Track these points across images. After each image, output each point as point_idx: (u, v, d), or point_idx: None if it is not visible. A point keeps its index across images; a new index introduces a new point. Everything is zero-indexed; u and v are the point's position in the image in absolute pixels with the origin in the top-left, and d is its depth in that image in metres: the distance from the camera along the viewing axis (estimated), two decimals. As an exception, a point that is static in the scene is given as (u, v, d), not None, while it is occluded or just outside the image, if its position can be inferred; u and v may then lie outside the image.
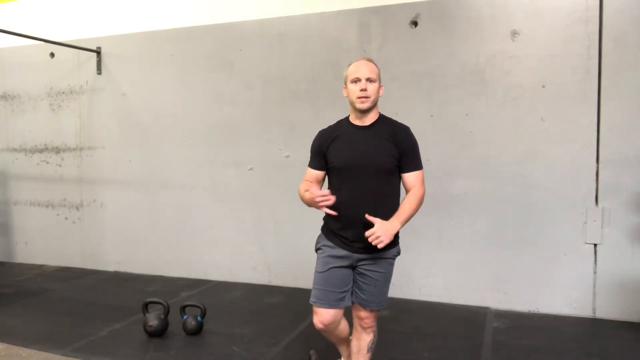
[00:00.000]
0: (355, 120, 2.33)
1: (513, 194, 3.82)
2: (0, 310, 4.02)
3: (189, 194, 4.84)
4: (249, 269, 4.66)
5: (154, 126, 4.94)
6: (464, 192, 3.95)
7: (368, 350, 2.45)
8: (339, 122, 2.41)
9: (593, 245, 3.66)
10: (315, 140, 2.41)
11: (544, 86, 3.73)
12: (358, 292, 2.35)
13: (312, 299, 2.35)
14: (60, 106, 5.33)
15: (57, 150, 5.37)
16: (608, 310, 3.65)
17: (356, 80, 2.25)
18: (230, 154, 4.66)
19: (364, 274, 2.32)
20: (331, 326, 2.38)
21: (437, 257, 4.05)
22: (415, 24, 4.03)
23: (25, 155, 5.53)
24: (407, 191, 2.33)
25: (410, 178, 2.31)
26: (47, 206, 5.46)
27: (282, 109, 4.45)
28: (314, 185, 2.37)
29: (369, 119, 2.31)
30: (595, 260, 3.66)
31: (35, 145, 5.47)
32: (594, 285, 3.67)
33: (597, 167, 3.63)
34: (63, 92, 5.31)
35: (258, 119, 4.54)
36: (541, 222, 3.76)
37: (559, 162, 3.71)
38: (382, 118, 2.36)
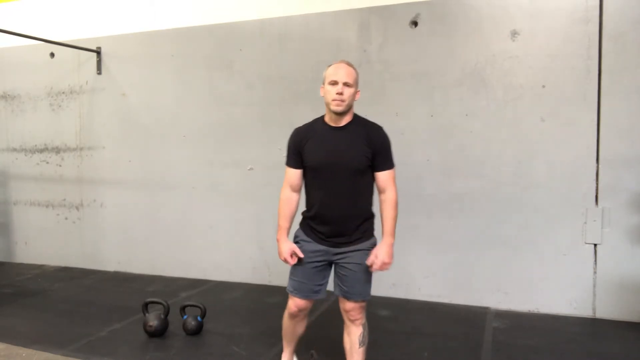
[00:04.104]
0: (330, 121, 2.40)
1: (513, 194, 3.82)
2: (0, 310, 4.03)
3: (189, 194, 4.84)
4: (248, 269, 4.66)
5: (154, 126, 4.94)
6: (464, 192, 3.95)
7: (360, 345, 2.47)
8: (315, 121, 2.48)
9: (593, 245, 3.66)
10: (292, 138, 2.49)
11: (544, 86, 3.73)
12: (340, 284, 2.45)
13: (288, 288, 2.51)
14: (60, 106, 5.32)
15: (57, 150, 5.37)
16: (608, 310, 3.65)
17: (333, 83, 2.31)
18: (230, 154, 4.66)
19: (343, 266, 2.42)
20: (304, 312, 2.55)
21: (437, 257, 4.05)
22: (415, 24, 4.03)
23: (25, 155, 5.53)
24: (379, 190, 2.43)
25: (383, 177, 2.40)
26: (47, 206, 5.46)
27: (282, 109, 4.45)
28: (295, 193, 2.49)
29: (344, 121, 2.38)
30: (595, 260, 3.66)
31: (35, 145, 5.47)
32: (594, 285, 3.67)
33: (597, 167, 3.63)
34: (63, 92, 5.31)
35: (258, 119, 4.54)
36: (541, 222, 3.76)
37: (559, 162, 3.71)
38: (356, 119, 2.43)
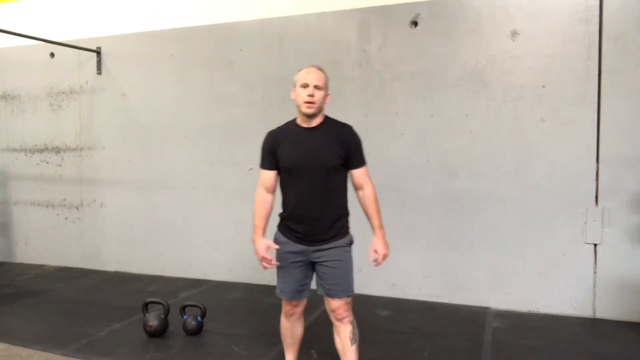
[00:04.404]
0: (302, 123, 2.47)
1: (513, 194, 3.82)
2: (0, 310, 4.03)
3: (189, 194, 4.84)
4: (249, 269, 4.65)
5: (154, 126, 4.94)
6: (464, 192, 3.95)
7: (352, 343, 2.50)
8: (287, 124, 2.54)
9: (593, 245, 3.66)
10: (266, 141, 2.53)
11: (544, 86, 3.73)
12: (322, 282, 2.48)
13: (277, 291, 2.59)
14: (60, 106, 5.32)
15: (57, 150, 5.37)
16: (608, 310, 3.65)
17: (304, 86, 2.38)
18: (230, 154, 4.66)
19: (322, 264, 2.46)
20: (299, 310, 2.62)
21: (437, 257, 4.05)
22: (415, 24, 4.03)
23: (25, 155, 5.53)
24: (355, 187, 2.49)
25: (358, 174, 2.48)
26: (47, 206, 5.46)
27: (282, 109, 4.44)
28: (270, 194, 2.53)
29: (315, 122, 2.45)
30: (595, 260, 3.66)
31: (35, 145, 5.47)
32: (594, 285, 3.67)
33: (597, 167, 3.63)
34: (63, 92, 5.31)
35: (258, 119, 4.54)
36: (541, 222, 3.76)
37: (559, 162, 3.71)
38: (327, 120, 2.50)
